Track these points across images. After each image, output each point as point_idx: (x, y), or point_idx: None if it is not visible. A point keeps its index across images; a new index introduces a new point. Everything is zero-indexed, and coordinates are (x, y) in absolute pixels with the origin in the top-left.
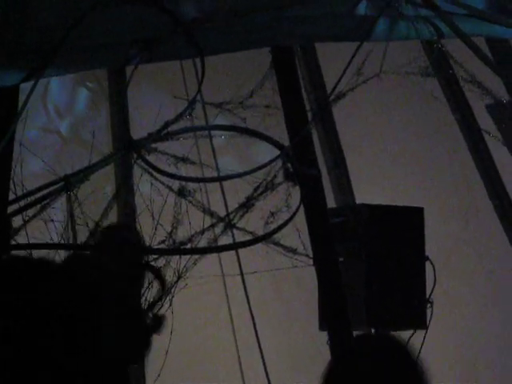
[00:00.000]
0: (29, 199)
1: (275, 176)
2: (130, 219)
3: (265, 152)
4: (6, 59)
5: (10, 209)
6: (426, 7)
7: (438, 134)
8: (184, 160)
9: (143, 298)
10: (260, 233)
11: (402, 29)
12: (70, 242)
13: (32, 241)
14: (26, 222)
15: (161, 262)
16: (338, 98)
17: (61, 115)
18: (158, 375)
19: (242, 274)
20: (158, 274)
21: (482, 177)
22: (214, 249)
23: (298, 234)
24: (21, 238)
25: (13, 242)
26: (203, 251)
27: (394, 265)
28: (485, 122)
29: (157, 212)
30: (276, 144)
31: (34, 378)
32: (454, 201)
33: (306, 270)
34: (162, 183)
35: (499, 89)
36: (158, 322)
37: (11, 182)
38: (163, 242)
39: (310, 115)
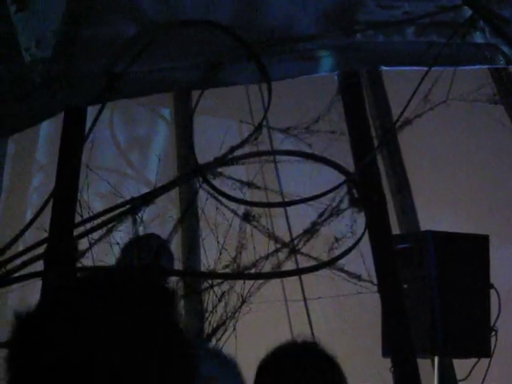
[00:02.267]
0: (95, 222)
1: (340, 202)
2: (195, 243)
3: (330, 178)
4: (74, 81)
5: (76, 231)
6: (495, 34)
7: (505, 162)
8: (249, 185)
9: (207, 323)
10: (324, 259)
11: (470, 55)
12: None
13: (98, 264)
14: (91, 245)
15: (225, 287)
16: (404, 125)
17: (127, 138)
18: None
19: (305, 299)
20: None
21: None
22: (277, 274)
23: (362, 261)
24: (87, 261)
25: (79, 265)
26: (267, 276)
27: (458, 292)
28: None
29: (221, 236)
30: (342, 170)
31: None
32: None
33: (371, 296)
34: (227, 207)
35: None
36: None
37: (78, 204)
38: (227, 266)
39: (375, 141)
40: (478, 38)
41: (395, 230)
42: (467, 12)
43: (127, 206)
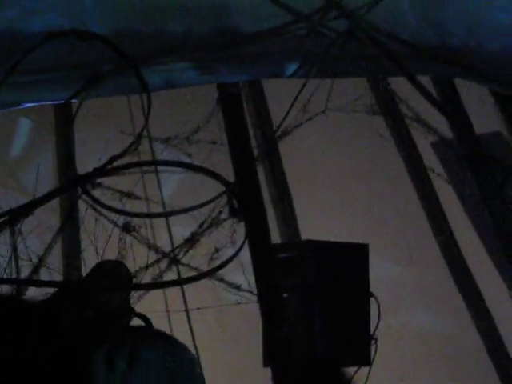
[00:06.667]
0: None
1: (220, 212)
2: (74, 254)
3: (210, 188)
4: None
5: None
6: (372, 45)
7: (384, 171)
8: (129, 195)
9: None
10: (205, 269)
11: (348, 66)
12: (14, 276)
13: None
14: None
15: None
16: (285, 134)
17: (6, 148)
18: None
19: (186, 310)
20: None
21: (427, 213)
22: (158, 284)
23: (242, 270)
24: None
25: None
26: (148, 287)
27: (338, 301)
28: (430, 159)
29: (101, 247)
30: (221, 180)
31: None
32: (399, 237)
33: (251, 306)
34: (107, 218)
35: (444, 127)
36: None
37: None
38: None
39: (255, 151)
40: (356, 49)
41: (276, 239)
42: (345, 23)
43: (5, 217)
